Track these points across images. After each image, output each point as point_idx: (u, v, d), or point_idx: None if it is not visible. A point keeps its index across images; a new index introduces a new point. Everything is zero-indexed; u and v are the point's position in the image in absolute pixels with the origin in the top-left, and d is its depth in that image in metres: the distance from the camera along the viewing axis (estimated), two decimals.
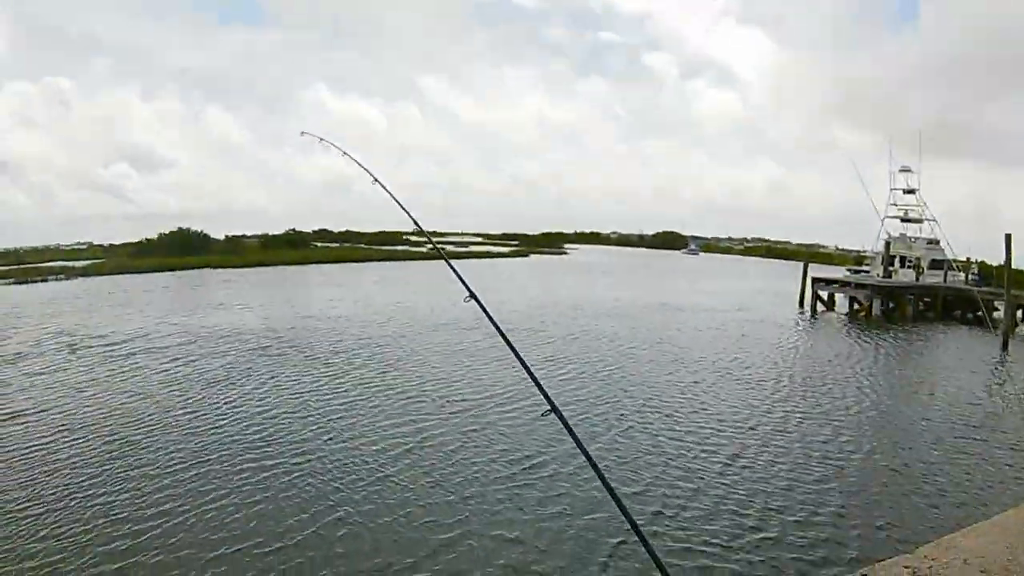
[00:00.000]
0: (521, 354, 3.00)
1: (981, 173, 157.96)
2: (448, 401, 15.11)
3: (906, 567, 2.21)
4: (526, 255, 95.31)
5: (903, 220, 44.84)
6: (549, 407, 2.57)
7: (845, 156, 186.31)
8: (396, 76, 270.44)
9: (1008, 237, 27.81)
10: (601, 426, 13.49)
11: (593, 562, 7.90)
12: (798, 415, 14.80)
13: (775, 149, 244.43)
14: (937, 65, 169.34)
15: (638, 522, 2.17)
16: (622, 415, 14.31)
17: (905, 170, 44.76)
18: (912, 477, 11.09)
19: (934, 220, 43.42)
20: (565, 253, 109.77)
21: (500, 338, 3.12)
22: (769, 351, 23.21)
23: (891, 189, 45.23)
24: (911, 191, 44.66)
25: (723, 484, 10.47)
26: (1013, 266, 28.96)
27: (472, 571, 7.73)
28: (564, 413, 2.61)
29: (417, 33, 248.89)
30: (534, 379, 2.84)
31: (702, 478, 10.71)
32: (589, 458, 2.47)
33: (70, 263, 49.53)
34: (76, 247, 56.32)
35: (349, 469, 10.78)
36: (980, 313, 33.79)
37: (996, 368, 22.26)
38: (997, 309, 32.20)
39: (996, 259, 37.03)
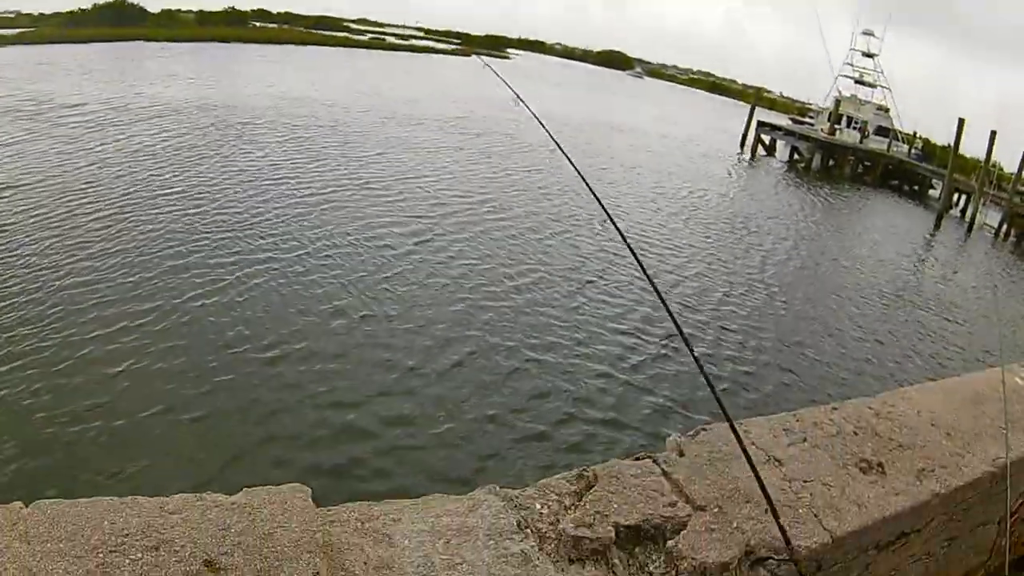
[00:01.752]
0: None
1: (948, 53, 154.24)
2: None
3: (869, 408, 2.44)
4: (467, 55, 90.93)
5: (857, 82, 44.99)
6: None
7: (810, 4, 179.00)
8: None
9: (961, 121, 29.68)
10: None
11: None
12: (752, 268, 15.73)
13: None
14: None
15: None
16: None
17: (868, 33, 44.77)
18: (865, 335, 12.57)
19: (888, 88, 44.08)
20: (508, 58, 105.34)
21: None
22: (713, 191, 24.53)
23: (850, 49, 45.30)
24: (870, 55, 44.74)
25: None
26: (959, 152, 30.99)
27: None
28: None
29: None
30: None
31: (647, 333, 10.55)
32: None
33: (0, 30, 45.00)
34: (4, 14, 50.40)
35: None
36: (917, 188, 36.53)
37: (929, 246, 24.99)
38: (933, 188, 34.68)
39: (943, 140, 38.90)
